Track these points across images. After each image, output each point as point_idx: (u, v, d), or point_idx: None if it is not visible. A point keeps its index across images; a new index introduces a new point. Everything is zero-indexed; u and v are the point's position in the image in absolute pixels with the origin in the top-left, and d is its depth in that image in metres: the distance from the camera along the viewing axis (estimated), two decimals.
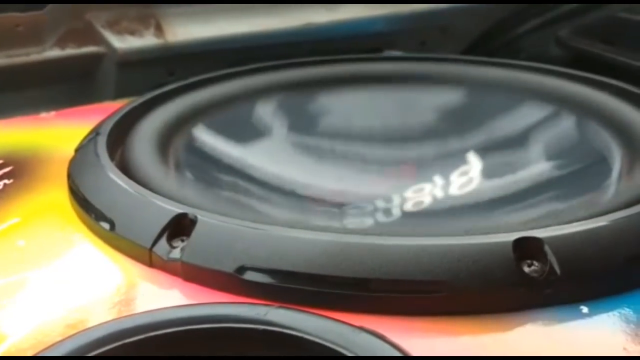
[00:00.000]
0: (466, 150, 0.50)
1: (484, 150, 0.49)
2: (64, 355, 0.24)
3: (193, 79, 0.51)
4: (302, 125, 0.50)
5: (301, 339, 0.25)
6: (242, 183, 0.42)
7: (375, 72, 0.57)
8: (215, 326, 0.26)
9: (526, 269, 0.28)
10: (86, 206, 0.35)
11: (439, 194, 0.46)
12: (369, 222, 0.43)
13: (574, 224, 0.30)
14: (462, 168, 0.49)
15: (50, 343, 0.25)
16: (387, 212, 0.44)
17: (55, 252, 0.33)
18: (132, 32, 0.62)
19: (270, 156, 0.47)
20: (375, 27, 0.71)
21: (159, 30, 0.62)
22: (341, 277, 0.27)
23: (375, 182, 0.48)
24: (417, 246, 0.28)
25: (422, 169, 0.49)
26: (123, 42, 0.60)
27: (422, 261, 0.28)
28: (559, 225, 0.30)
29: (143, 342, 0.25)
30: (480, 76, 0.55)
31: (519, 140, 0.49)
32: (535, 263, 0.28)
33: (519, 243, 0.28)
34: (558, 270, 0.28)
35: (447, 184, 0.47)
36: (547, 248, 0.28)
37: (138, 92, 0.52)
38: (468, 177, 0.48)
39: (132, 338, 0.25)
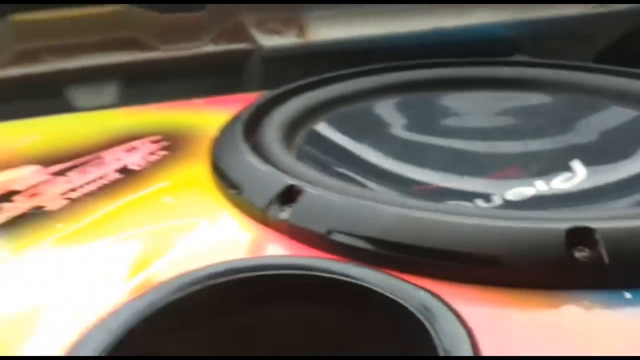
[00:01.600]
0: (571, 156, 0.53)
1: (588, 156, 0.52)
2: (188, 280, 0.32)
3: (324, 76, 0.58)
4: (418, 124, 0.55)
5: (371, 290, 0.31)
6: (350, 170, 0.48)
7: (494, 76, 0.60)
8: (305, 273, 0.32)
9: (577, 254, 0.32)
10: (221, 175, 0.43)
11: (539, 192, 0.50)
12: None
13: (629, 219, 0.33)
14: (565, 172, 0.51)
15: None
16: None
17: (194, 209, 0.42)
18: (278, 32, 0.70)
19: (383, 151, 0.53)
20: (505, 32, 0.74)
21: (301, 31, 0.70)
22: (412, 246, 0.33)
23: (479, 182, 0.52)
24: (482, 225, 0.33)
25: (526, 171, 0.53)
26: (269, 41, 0.69)
27: (485, 238, 0.32)
28: (616, 220, 0.33)
29: (248, 280, 0.32)
30: (600, 85, 0.57)
31: (626, 148, 0.51)
32: (586, 250, 0.32)
33: (573, 231, 0.32)
34: (606, 259, 0.32)
35: (548, 184, 0.51)
36: (598, 236, 0.32)
37: (279, 85, 0.60)
38: (569, 179, 0.51)
39: (239, 275, 0.32)
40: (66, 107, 0.63)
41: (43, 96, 0.64)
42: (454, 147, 0.55)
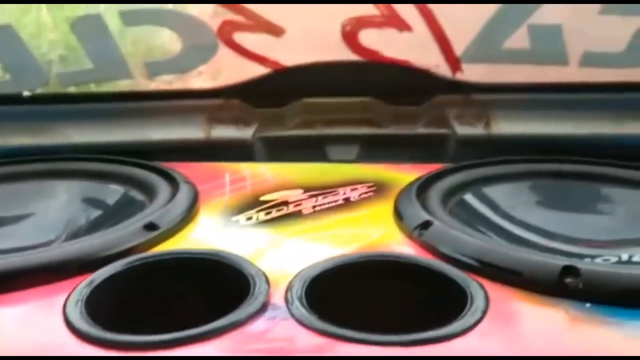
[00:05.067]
0: None
1: None
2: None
3: (486, 160, 0.87)
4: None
5: (442, 274, 0.60)
6: (477, 223, 0.76)
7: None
8: (410, 262, 0.63)
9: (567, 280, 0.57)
10: (396, 211, 0.75)
11: None
12: None
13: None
14: None
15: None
16: None
17: (377, 225, 0.73)
18: (470, 124, 1.00)
19: (515, 220, 0.79)
20: None
21: (487, 124, 0.99)
22: (481, 261, 0.61)
23: None
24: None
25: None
26: (462, 129, 0.99)
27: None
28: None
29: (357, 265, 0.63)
30: None
31: None
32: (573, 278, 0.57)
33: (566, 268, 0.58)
34: (581, 285, 0.57)
35: None
36: (581, 272, 0.57)
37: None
38: None
39: (375, 258, 0.63)
40: (323, 158, 1.00)
41: (311, 149, 1.01)
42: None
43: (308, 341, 0.53)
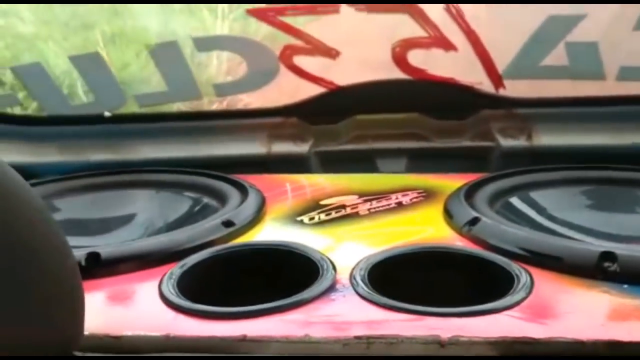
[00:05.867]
0: None
1: None
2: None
3: (530, 168, 0.93)
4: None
5: (487, 260, 0.67)
6: (522, 223, 0.82)
7: None
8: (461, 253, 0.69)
9: (605, 264, 0.64)
10: (446, 211, 0.82)
11: None
12: None
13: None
14: None
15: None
16: None
17: (428, 223, 0.80)
18: (513, 137, 1.06)
19: (557, 220, 0.85)
20: None
21: (529, 137, 1.06)
22: (526, 249, 0.68)
23: None
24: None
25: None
26: (506, 142, 1.06)
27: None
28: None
29: (413, 254, 0.70)
30: None
31: None
32: (610, 263, 0.63)
33: (605, 253, 0.64)
34: (618, 269, 0.63)
35: None
36: (618, 257, 0.63)
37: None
38: None
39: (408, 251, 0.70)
40: (374, 171, 1.08)
41: (362, 162, 1.09)
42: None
43: (373, 314, 0.60)
